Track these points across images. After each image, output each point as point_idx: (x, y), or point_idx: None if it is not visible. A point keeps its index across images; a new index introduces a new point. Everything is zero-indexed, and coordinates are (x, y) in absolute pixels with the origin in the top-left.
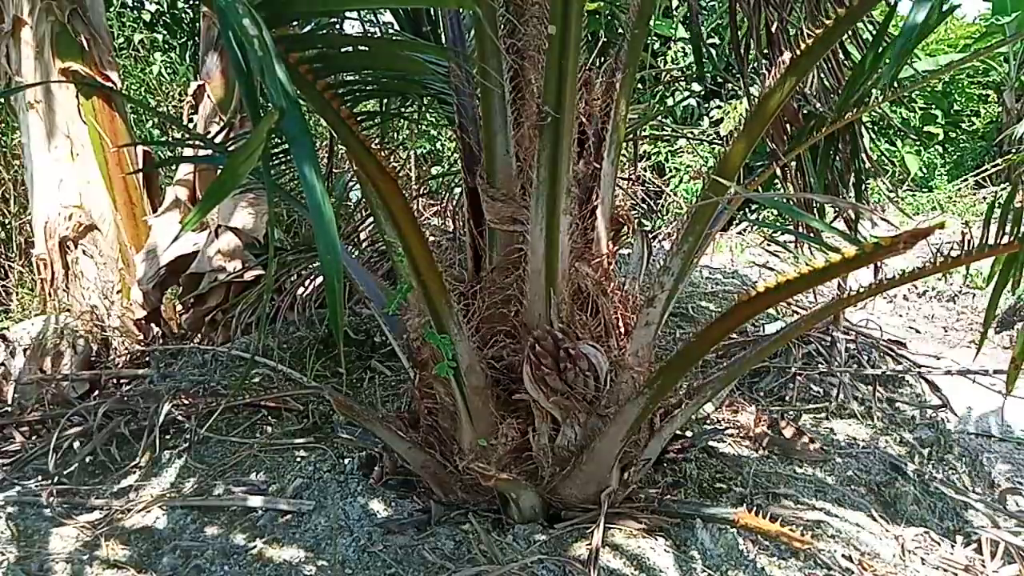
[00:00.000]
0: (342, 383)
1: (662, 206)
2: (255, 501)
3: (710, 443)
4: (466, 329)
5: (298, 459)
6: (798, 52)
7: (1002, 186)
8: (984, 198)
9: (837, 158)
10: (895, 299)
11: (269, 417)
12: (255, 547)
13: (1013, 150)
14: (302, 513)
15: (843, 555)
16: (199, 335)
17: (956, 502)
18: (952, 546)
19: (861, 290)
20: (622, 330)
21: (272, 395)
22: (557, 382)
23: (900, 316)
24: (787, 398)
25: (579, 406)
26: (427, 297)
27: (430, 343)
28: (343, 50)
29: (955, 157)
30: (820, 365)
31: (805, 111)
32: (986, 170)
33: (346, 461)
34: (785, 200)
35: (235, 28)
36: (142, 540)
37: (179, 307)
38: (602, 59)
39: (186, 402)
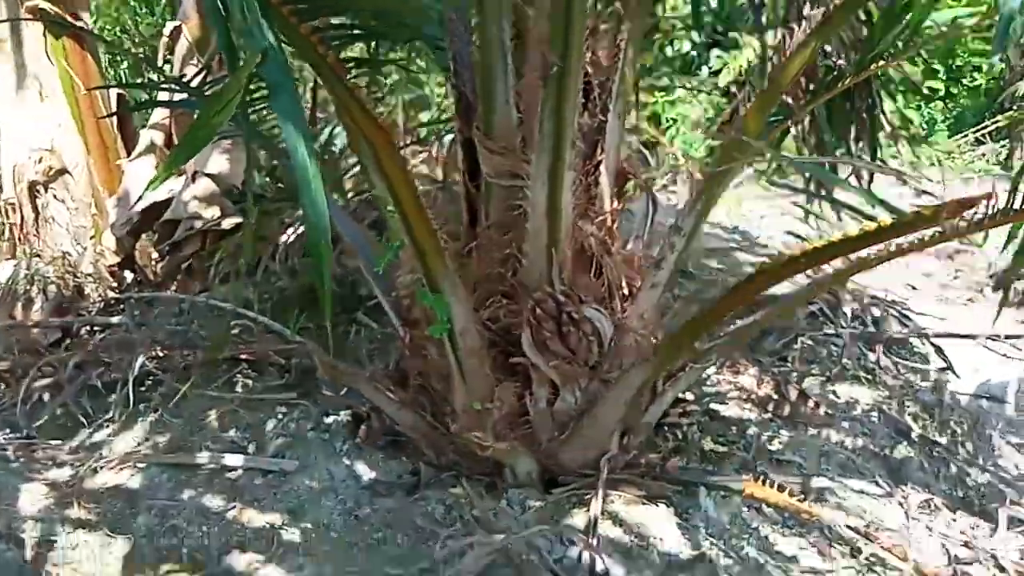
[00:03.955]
0: (326, 337)
1: (659, 157)
2: (234, 459)
3: (712, 406)
4: (462, 289)
5: (279, 416)
6: (829, 9)
7: (1002, 143)
8: (983, 155)
9: (853, 115)
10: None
11: (249, 371)
12: (234, 508)
13: (1015, 107)
14: (284, 473)
15: (847, 525)
16: (175, 283)
17: (960, 468)
18: (955, 512)
19: (872, 255)
20: (626, 291)
21: (252, 348)
22: (559, 346)
23: (897, 272)
24: (790, 359)
25: (581, 371)
26: (420, 255)
27: (422, 302)
28: None
29: (956, 113)
30: (825, 326)
31: (822, 65)
32: (986, 126)
33: (330, 419)
34: (813, 163)
35: None
36: (115, 499)
37: (154, 254)
38: (610, 5)
39: (161, 354)
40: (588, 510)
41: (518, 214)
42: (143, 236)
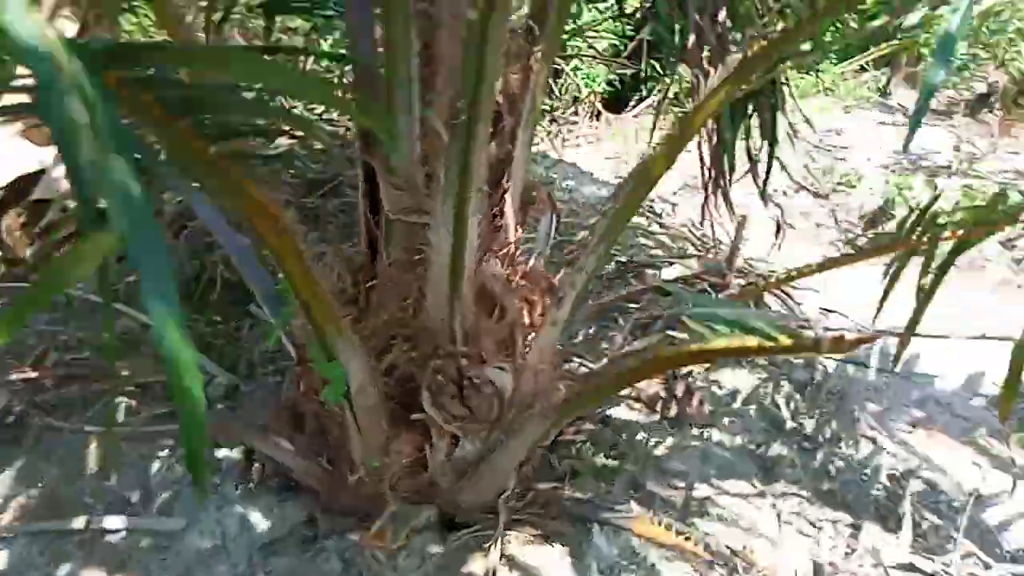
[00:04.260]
0: (217, 333)
1: (562, 87)
2: (114, 522)
3: (604, 412)
4: (360, 348)
5: (166, 454)
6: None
7: (883, 70)
8: (866, 82)
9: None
10: (774, 193)
11: (134, 388)
12: None
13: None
14: (171, 534)
15: (727, 545)
16: None
17: (825, 456)
18: (821, 508)
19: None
20: (528, 326)
21: (134, 362)
22: (459, 409)
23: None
24: (676, 342)
25: (482, 426)
26: (312, 322)
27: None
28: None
29: (844, 41)
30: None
31: None
32: (871, 54)
33: (221, 454)
34: None
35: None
36: None
37: (22, 237)
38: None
39: (31, 375)
40: (485, 555)
41: (421, 255)
42: (9, 214)
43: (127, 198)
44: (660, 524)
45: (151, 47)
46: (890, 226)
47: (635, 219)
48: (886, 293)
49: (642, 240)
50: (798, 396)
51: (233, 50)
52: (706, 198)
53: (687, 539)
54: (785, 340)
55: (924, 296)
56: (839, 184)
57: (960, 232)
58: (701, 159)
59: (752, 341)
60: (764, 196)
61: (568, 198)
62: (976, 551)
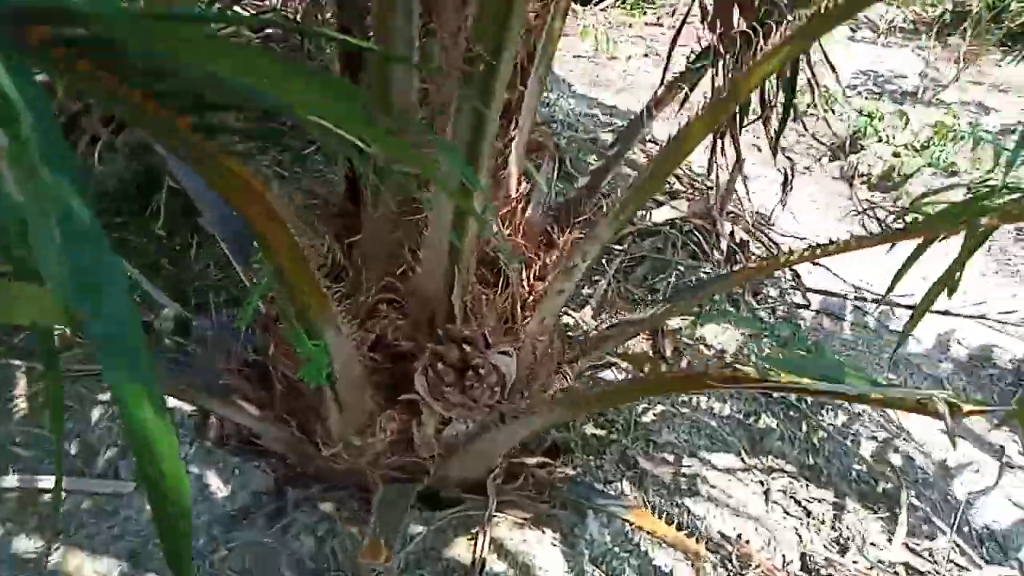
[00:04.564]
0: (162, 249)
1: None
2: (48, 481)
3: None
4: (345, 325)
5: (109, 400)
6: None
7: None
8: None
9: None
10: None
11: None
12: (55, 554)
13: None
14: (119, 496)
15: (719, 531)
16: None
17: (812, 427)
18: (808, 487)
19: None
20: (527, 289)
21: None
22: (458, 397)
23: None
24: (661, 291)
25: (479, 411)
26: (286, 288)
27: (295, 346)
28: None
29: None
30: (700, 257)
31: None
32: None
33: (171, 403)
34: None
35: None
36: None
37: None
38: None
39: None
40: (471, 539)
41: (413, 209)
42: None
43: (73, 236)
44: (659, 516)
45: (97, 11)
46: (865, 160)
47: (631, 154)
48: (900, 273)
49: (627, 171)
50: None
51: (220, 41)
52: (714, 142)
53: (689, 535)
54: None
55: (950, 282)
56: (810, 107)
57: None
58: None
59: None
60: (776, 147)
61: (548, 114)
62: (961, 543)
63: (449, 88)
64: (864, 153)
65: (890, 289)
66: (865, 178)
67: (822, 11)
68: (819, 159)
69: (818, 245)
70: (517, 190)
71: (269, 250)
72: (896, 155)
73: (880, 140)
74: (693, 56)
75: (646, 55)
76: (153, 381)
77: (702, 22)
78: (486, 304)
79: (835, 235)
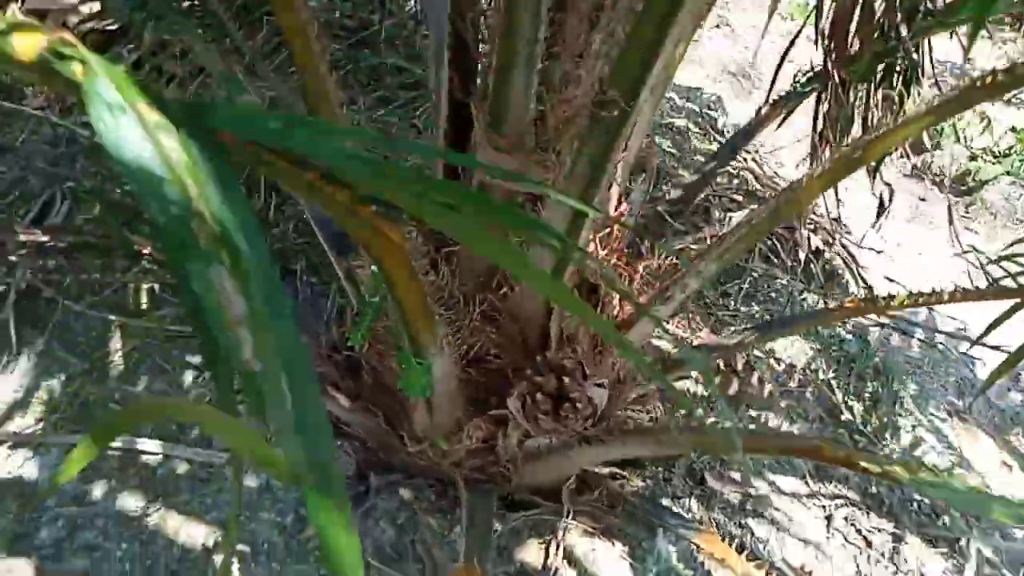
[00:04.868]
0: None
1: None
2: (148, 444)
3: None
4: (448, 347)
5: (198, 361)
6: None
7: None
8: None
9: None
10: None
11: (154, 266)
12: (155, 515)
13: None
14: (212, 466)
15: (782, 558)
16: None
17: (876, 451)
18: (868, 515)
19: None
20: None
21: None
22: (551, 424)
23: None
24: (733, 296)
25: (568, 434)
26: (402, 317)
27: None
28: None
29: None
30: (775, 263)
31: None
32: None
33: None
34: None
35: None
36: (9, 495)
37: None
38: None
39: (40, 237)
40: (542, 543)
41: None
42: None
43: (297, 389)
44: (723, 535)
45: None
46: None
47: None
48: (996, 323)
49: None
50: (847, 371)
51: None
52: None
53: (752, 558)
54: None
55: None
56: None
57: None
58: (815, 117)
59: None
60: (877, 170)
61: None
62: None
63: (571, 124)
64: (940, 153)
65: (984, 334)
66: (939, 179)
67: (978, 84)
68: (891, 152)
69: (920, 293)
70: (616, 209)
71: (392, 285)
72: (973, 158)
73: (958, 140)
74: (800, 75)
75: (717, 26)
76: (348, 513)
77: (816, 41)
78: (581, 330)
79: (903, 239)
